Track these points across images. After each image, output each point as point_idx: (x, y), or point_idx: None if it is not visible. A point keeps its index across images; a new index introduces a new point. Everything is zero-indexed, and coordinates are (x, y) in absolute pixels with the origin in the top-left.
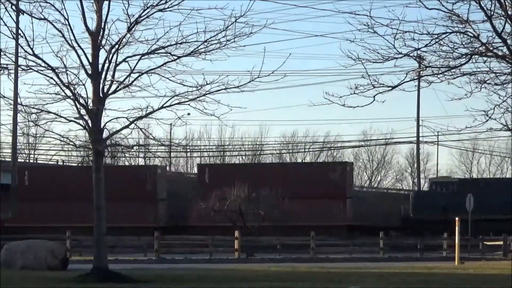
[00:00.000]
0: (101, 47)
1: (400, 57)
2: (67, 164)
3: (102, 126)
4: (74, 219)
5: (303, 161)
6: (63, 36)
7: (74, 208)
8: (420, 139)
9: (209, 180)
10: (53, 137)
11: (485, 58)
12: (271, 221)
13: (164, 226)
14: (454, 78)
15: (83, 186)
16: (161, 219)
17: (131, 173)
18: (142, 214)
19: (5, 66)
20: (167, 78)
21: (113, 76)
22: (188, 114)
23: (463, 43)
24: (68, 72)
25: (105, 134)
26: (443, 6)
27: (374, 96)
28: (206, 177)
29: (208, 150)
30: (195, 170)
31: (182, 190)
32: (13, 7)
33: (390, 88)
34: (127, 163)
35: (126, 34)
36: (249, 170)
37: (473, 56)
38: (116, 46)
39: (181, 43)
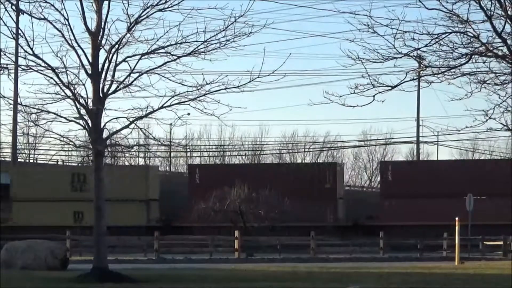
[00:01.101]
0: (101, 47)
1: (400, 57)
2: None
3: (102, 126)
4: None
5: (303, 161)
6: (63, 36)
7: None
8: (420, 139)
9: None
10: (53, 137)
11: (485, 58)
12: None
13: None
14: (454, 78)
15: None
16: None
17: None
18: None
19: (5, 66)
20: (167, 78)
21: (113, 76)
22: (188, 114)
23: (463, 43)
24: (68, 72)
25: (105, 134)
26: (443, 6)
27: (374, 96)
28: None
29: (208, 150)
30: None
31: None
32: (13, 7)
33: (390, 88)
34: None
35: (126, 34)
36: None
37: (473, 56)
38: (116, 46)
39: (181, 43)
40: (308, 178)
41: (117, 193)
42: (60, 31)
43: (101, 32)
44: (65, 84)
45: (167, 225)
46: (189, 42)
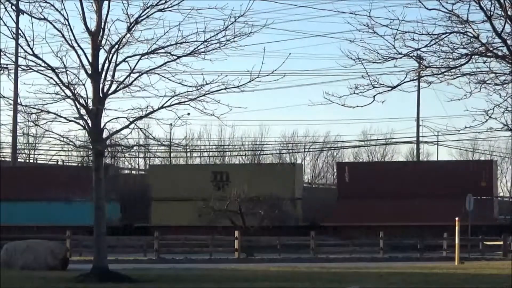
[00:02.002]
0: (101, 47)
1: (400, 57)
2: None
3: (102, 126)
4: None
5: (303, 161)
6: (63, 36)
7: None
8: (420, 139)
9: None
10: (53, 137)
11: (485, 58)
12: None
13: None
14: (454, 78)
15: None
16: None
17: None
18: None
19: (5, 66)
20: (167, 78)
21: (113, 76)
22: (188, 114)
23: (463, 43)
24: (68, 72)
25: (105, 134)
26: (443, 6)
27: (374, 96)
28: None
29: (208, 150)
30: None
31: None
32: (13, 7)
33: (390, 88)
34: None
35: (126, 34)
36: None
37: (473, 57)
38: (116, 46)
39: (181, 43)
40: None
41: (265, 192)
42: (60, 31)
43: (101, 32)
44: (65, 84)
45: (314, 225)
46: (189, 42)
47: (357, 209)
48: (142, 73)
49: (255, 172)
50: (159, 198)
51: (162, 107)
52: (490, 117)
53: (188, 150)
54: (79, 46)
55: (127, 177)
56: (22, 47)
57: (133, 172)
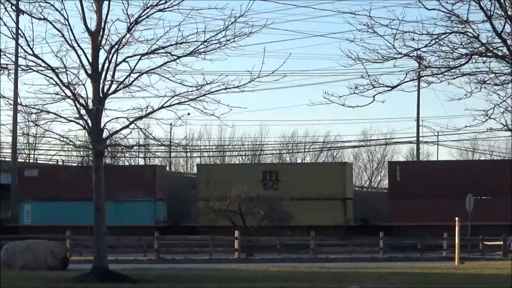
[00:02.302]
0: (101, 47)
1: (400, 57)
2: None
3: (102, 126)
4: None
5: (303, 161)
6: (63, 36)
7: None
8: (420, 139)
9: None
10: (53, 137)
11: (485, 58)
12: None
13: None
14: (454, 78)
15: None
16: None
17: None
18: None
19: (5, 66)
20: (167, 78)
21: (113, 76)
22: (188, 114)
23: (463, 43)
24: (68, 72)
25: (105, 134)
26: (442, 6)
27: (374, 96)
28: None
29: (208, 150)
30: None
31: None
32: (13, 7)
33: (390, 88)
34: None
35: (126, 34)
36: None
37: (473, 56)
38: (116, 46)
39: (181, 43)
40: None
41: (315, 191)
42: (60, 31)
43: (101, 32)
44: (65, 84)
45: (366, 226)
46: (189, 42)
47: (408, 208)
48: (142, 73)
49: (305, 172)
50: (206, 198)
51: (162, 107)
52: (490, 117)
53: (188, 150)
54: (79, 46)
55: (175, 177)
56: (22, 47)
57: (182, 171)
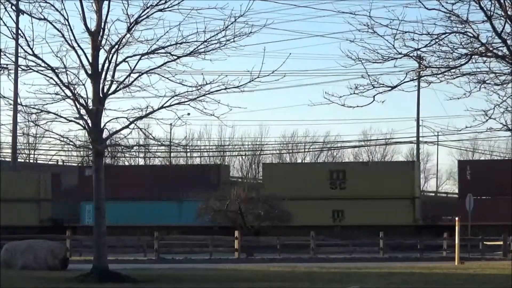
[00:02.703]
0: (101, 47)
1: (400, 57)
2: None
3: (102, 126)
4: None
5: (303, 161)
6: (63, 36)
7: None
8: (420, 139)
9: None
10: (53, 137)
11: (484, 58)
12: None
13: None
14: (454, 78)
15: None
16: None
17: None
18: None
19: (5, 66)
20: (167, 78)
21: (113, 76)
22: (188, 114)
23: (463, 43)
24: (68, 72)
25: (105, 134)
26: (442, 6)
27: (374, 96)
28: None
29: (208, 150)
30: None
31: None
32: (13, 7)
33: (390, 88)
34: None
35: (126, 34)
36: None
37: (472, 56)
38: (116, 46)
39: (181, 43)
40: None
41: (383, 190)
42: (60, 31)
43: (101, 32)
44: (65, 84)
45: (434, 225)
46: (189, 42)
47: (481, 207)
48: (142, 73)
49: (373, 170)
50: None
51: (162, 107)
52: (490, 117)
53: (188, 150)
54: (79, 46)
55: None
56: (22, 47)
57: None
